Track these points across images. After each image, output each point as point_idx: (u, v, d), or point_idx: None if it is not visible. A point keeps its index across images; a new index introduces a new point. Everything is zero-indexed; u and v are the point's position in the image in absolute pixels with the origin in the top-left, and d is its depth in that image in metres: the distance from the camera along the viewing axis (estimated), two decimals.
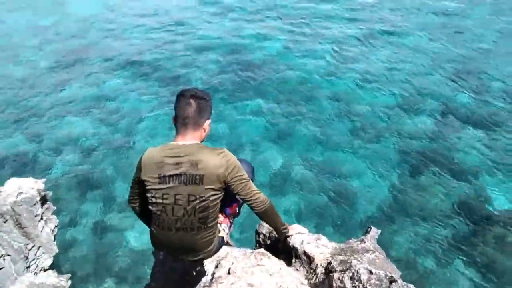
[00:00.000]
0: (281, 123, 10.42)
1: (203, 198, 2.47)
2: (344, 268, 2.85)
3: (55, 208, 7.20)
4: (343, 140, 9.71)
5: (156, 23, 16.66)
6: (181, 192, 2.45)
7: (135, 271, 7.36)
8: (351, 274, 2.69)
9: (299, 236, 3.64)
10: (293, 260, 3.47)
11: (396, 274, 3.27)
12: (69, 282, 6.35)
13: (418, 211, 8.03)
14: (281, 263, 3.06)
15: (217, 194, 2.51)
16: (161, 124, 10.74)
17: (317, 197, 8.52)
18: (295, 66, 12.63)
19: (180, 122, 2.59)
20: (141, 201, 2.75)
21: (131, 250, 7.76)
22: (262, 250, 3.23)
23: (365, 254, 3.37)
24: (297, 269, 3.37)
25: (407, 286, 2.37)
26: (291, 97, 11.33)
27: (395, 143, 9.50)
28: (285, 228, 3.21)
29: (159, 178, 2.50)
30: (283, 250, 3.70)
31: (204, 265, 3.36)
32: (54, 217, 7.04)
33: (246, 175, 2.61)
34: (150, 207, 2.56)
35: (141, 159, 2.66)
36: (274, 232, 3.92)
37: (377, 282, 2.51)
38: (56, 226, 6.99)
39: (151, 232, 2.67)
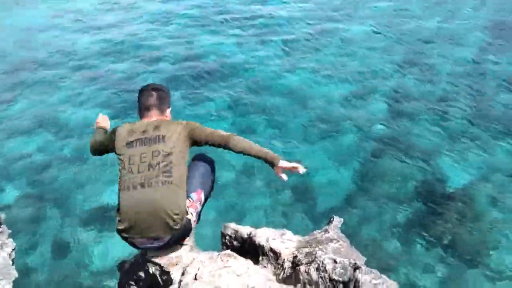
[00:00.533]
0: (240, 121, 10.43)
1: (166, 152, 2.64)
2: (310, 260, 2.87)
3: (10, 231, 6.82)
4: (301, 134, 9.83)
5: (103, 31, 16.16)
6: (145, 151, 2.65)
7: (99, 285, 7.13)
8: (316, 265, 2.71)
9: (264, 233, 3.64)
10: (260, 258, 3.47)
11: (361, 260, 3.33)
12: None
13: (379, 196, 8.25)
14: (248, 263, 3.04)
15: (180, 151, 2.71)
16: None
17: (281, 192, 8.56)
18: (248, 62, 12.68)
19: (144, 111, 2.92)
20: (97, 148, 3.27)
21: (94, 268, 7.50)
22: (228, 251, 3.20)
23: (329, 243, 3.41)
24: (264, 266, 3.36)
25: (371, 271, 2.41)
26: (246, 95, 11.35)
27: (352, 132, 9.72)
28: (272, 154, 3.13)
29: (127, 144, 2.73)
30: (249, 249, 3.69)
31: (170, 273, 3.29)
32: (10, 240, 6.65)
33: (206, 128, 2.90)
34: (120, 173, 2.75)
35: (115, 128, 2.93)
36: (240, 233, 3.91)
37: (341, 270, 2.54)
38: (13, 249, 6.61)
39: (118, 213, 2.76)
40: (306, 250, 3.21)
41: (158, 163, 2.60)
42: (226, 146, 2.88)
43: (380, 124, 9.91)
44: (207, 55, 13.47)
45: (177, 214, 2.67)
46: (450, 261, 7.14)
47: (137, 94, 3.12)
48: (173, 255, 3.55)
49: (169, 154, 2.64)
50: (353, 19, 14.67)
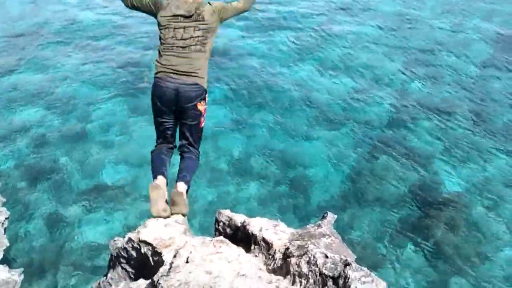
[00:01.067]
0: (240, 112, 10.41)
1: (205, 28, 3.31)
2: (301, 253, 2.90)
3: (4, 200, 6.87)
4: (302, 128, 9.84)
5: (110, 7, 16.00)
6: (189, 25, 3.28)
7: (90, 264, 7.18)
8: (307, 259, 2.74)
9: (258, 223, 3.66)
10: (252, 247, 3.50)
11: (351, 257, 3.37)
12: (22, 276, 6.09)
13: (374, 196, 8.31)
14: (240, 250, 3.07)
15: (214, 28, 3.37)
16: (118, 112, 10.44)
17: (277, 185, 8.61)
18: (252, 55, 12.59)
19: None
20: (136, 3, 3.48)
21: (85, 243, 7.56)
22: (221, 237, 3.22)
23: (321, 238, 3.44)
24: (255, 256, 3.39)
25: (361, 269, 2.44)
26: (249, 85, 11.32)
27: (352, 131, 9.74)
28: None
29: (173, 16, 3.29)
30: (242, 238, 3.71)
31: (162, 254, 3.31)
32: (4, 209, 6.73)
33: (227, 5, 3.49)
34: (163, 37, 3.33)
35: None
36: (234, 220, 3.93)
37: (332, 265, 2.57)
38: (6, 218, 6.69)
39: (156, 65, 3.36)
40: (298, 243, 3.24)
41: (198, 36, 3.28)
42: (244, 12, 3.65)
43: (380, 124, 9.93)
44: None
45: (202, 75, 3.33)
46: (437, 265, 7.22)
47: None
48: (166, 236, 3.58)
49: (206, 30, 3.31)
50: (361, 18, 14.56)
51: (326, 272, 2.54)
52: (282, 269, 2.96)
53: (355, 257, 3.51)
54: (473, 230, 7.66)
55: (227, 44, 13.12)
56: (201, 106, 3.36)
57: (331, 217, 3.98)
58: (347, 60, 12.25)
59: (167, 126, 3.43)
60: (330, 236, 3.51)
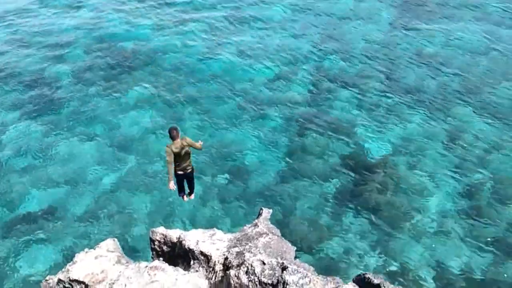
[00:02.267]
0: (165, 111, 10.12)
1: (188, 152, 5.81)
2: (239, 262, 2.87)
3: None
4: (230, 118, 9.79)
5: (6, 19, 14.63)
6: (183, 152, 5.72)
7: None
8: (245, 269, 2.71)
9: (194, 236, 3.58)
10: (192, 262, 3.41)
11: (291, 252, 3.41)
12: None
13: (309, 172, 8.51)
14: (177, 273, 2.97)
15: (190, 151, 5.87)
16: (30, 134, 9.69)
17: (214, 177, 8.53)
18: (168, 51, 12.18)
19: (175, 136, 5.65)
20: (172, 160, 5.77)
21: (21, 280, 7.03)
22: (155, 263, 3.09)
23: (259, 239, 3.44)
24: (196, 270, 3.32)
25: (297, 271, 2.46)
26: (171, 82, 11.00)
27: (277, 114, 9.85)
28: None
29: (176, 151, 5.65)
30: (180, 253, 3.61)
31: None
32: None
33: (194, 142, 5.92)
34: (175, 160, 5.74)
35: (170, 148, 5.62)
36: (169, 237, 3.81)
37: (270, 272, 2.57)
38: None
39: (174, 170, 5.82)
40: (236, 249, 3.20)
41: (187, 155, 5.82)
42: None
43: (303, 102, 10.12)
44: (123, 41, 12.71)
45: (191, 164, 6.06)
46: (376, 227, 7.61)
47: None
48: (97, 270, 3.39)
49: (189, 153, 5.83)
50: (267, 3, 14.40)
51: (265, 280, 2.52)
52: (223, 282, 2.92)
53: (295, 249, 3.56)
54: (402, 188, 8.14)
55: (136, 43, 12.52)
56: (193, 174, 6.25)
57: (266, 212, 3.99)
58: (264, 44, 12.26)
59: (182, 184, 6.23)
60: (268, 234, 3.52)
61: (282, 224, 7.31)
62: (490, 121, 9.39)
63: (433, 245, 7.26)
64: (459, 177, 8.28)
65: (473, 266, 6.98)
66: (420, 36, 12.21)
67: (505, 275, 6.80)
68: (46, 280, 4.02)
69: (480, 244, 7.23)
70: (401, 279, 6.81)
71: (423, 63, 11.16)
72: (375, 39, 12.15)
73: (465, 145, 8.88)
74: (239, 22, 13.42)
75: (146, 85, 10.88)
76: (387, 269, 6.98)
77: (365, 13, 13.40)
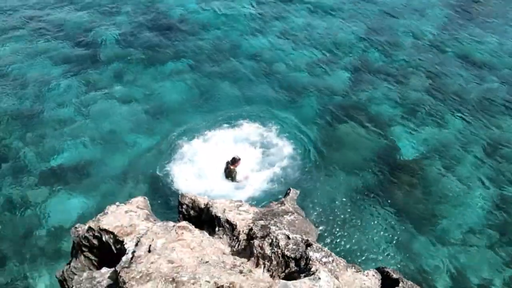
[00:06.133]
0: (202, 84, 10.19)
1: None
2: (264, 234, 2.91)
3: None
4: (265, 98, 9.77)
5: None
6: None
7: (53, 250, 7.02)
8: (270, 241, 2.75)
9: (221, 204, 3.64)
10: (217, 229, 3.48)
11: (314, 233, 3.43)
12: None
13: (336, 163, 8.43)
14: (203, 235, 3.05)
15: None
16: (72, 90, 10.00)
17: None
18: (210, 26, 12.21)
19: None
20: None
21: (49, 228, 7.37)
22: (183, 223, 3.17)
23: (284, 216, 3.47)
24: (220, 237, 3.38)
25: (321, 249, 2.48)
26: (211, 57, 11.05)
27: (314, 99, 9.76)
28: None
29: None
30: (206, 219, 3.69)
31: (124, 242, 3.27)
32: None
33: None
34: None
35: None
36: (197, 203, 3.89)
37: (294, 247, 2.60)
38: None
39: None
40: (262, 222, 3.24)
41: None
42: None
43: (341, 92, 9.98)
44: (170, 10, 12.85)
45: None
46: (400, 226, 7.50)
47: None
48: (126, 223, 3.51)
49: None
50: None
51: (288, 253, 2.56)
52: (246, 251, 2.97)
53: (318, 232, 3.59)
54: (431, 191, 7.97)
55: (182, 16, 12.62)
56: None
57: (293, 193, 4.01)
58: (310, 29, 12.11)
59: None
60: (293, 213, 3.55)
61: (304, 208, 7.31)
62: None
63: (456, 255, 7.11)
64: (492, 191, 8.02)
65: (494, 284, 6.80)
66: (472, 38, 11.76)
67: None
68: (76, 227, 4.19)
69: (505, 263, 7.01)
70: (415, 281, 6.72)
71: (470, 68, 10.77)
72: (424, 37, 11.79)
73: (504, 158, 8.57)
74: (287, 2, 13.29)
75: (186, 56, 10.98)
76: (403, 269, 6.90)
77: (418, 9, 13.00)
